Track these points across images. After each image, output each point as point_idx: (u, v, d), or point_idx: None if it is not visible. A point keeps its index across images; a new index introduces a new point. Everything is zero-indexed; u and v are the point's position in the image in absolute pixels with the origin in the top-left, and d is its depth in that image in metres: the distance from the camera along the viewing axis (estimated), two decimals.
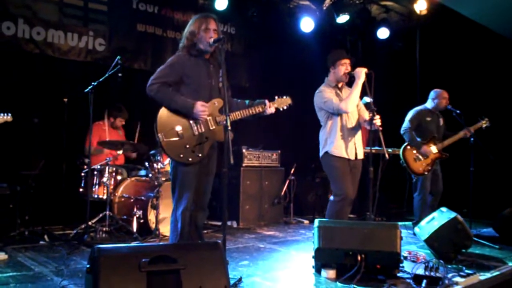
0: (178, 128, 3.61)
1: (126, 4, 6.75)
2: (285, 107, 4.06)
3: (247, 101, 3.93)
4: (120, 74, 4.82)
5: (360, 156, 4.86)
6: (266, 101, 3.91)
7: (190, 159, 3.61)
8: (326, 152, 4.80)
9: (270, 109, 3.91)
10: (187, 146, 3.60)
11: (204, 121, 3.66)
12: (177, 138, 3.60)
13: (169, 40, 7.14)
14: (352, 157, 4.79)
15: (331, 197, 4.84)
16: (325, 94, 4.78)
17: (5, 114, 4.49)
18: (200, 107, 3.59)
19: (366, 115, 4.82)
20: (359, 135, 4.90)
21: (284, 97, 4.06)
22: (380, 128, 4.56)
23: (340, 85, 4.88)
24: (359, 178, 4.91)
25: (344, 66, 4.78)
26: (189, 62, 3.68)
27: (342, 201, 4.72)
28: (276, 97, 4.02)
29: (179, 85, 3.67)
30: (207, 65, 3.75)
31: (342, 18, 7.48)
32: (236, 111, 3.78)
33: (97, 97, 4.90)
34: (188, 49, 3.71)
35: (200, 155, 3.64)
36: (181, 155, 3.59)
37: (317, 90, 4.90)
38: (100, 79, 4.88)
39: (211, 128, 3.69)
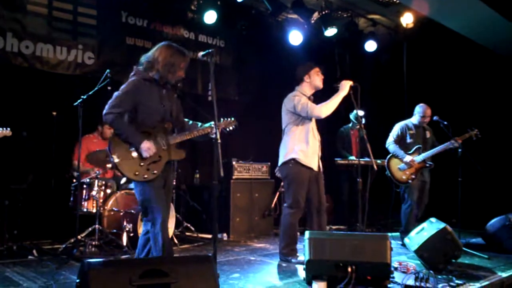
0: (132, 149, 3.69)
1: (115, 18, 6.77)
2: (231, 128, 4.12)
3: (199, 123, 4.04)
4: (109, 88, 4.82)
5: (321, 168, 5.01)
6: (212, 123, 3.89)
7: (146, 176, 3.67)
8: (293, 159, 4.84)
9: (213, 130, 3.82)
10: (141, 164, 3.68)
11: (156, 143, 3.74)
12: (131, 158, 3.68)
13: None
14: (316, 169, 4.93)
15: (285, 209, 4.95)
16: (302, 98, 4.86)
17: (5, 129, 4.50)
18: (146, 147, 3.66)
19: None
20: (319, 148, 5.03)
21: (230, 118, 4.14)
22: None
23: (312, 98, 4.98)
24: (323, 188, 5.03)
25: (319, 76, 4.93)
26: (143, 88, 3.75)
27: (297, 213, 4.90)
28: (222, 119, 4.09)
29: (133, 110, 3.74)
30: (159, 89, 3.83)
31: (330, 31, 7.56)
32: (186, 132, 3.91)
33: (86, 110, 4.90)
34: (146, 74, 3.79)
35: (155, 171, 3.71)
36: (136, 173, 3.66)
37: (290, 94, 4.98)
38: (90, 93, 4.88)
39: (163, 148, 3.79)
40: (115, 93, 3.74)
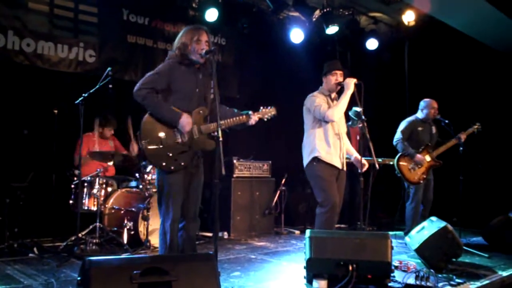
0: (161, 136, 3.60)
1: (116, 16, 6.76)
2: (269, 117, 4.04)
3: (235, 110, 3.93)
4: (110, 86, 4.82)
5: (344, 167, 4.89)
6: (250, 111, 3.91)
7: (173, 167, 3.59)
8: (316, 158, 4.73)
9: (254, 117, 3.88)
10: (170, 154, 3.59)
11: (189, 129, 3.66)
12: (160, 146, 3.59)
13: (160, 51, 7.15)
14: (340, 166, 4.81)
15: (318, 209, 4.75)
16: (316, 99, 4.78)
17: None
18: (185, 123, 3.58)
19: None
20: (345, 146, 4.93)
21: (269, 107, 4.05)
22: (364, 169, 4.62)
23: (332, 95, 4.89)
24: (343, 189, 4.92)
25: (334, 77, 4.81)
26: (178, 70, 3.68)
27: (330, 211, 4.67)
28: (261, 108, 4.02)
29: (167, 92, 3.66)
30: (196, 73, 3.75)
31: (332, 29, 7.54)
32: (222, 120, 3.74)
33: (88, 108, 4.90)
34: (179, 58, 3.72)
35: (182, 163, 3.62)
36: (163, 163, 3.58)
37: (310, 94, 4.90)
38: (91, 91, 4.87)
39: (194, 137, 3.68)
40: (147, 73, 3.68)
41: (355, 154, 4.98)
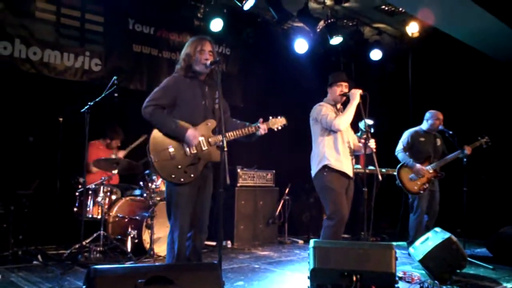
0: (171, 149, 3.62)
1: (122, 25, 6.83)
2: (279, 127, 4.03)
3: (247, 123, 3.93)
4: (116, 94, 4.85)
5: (352, 175, 4.86)
6: (261, 120, 3.92)
7: (182, 180, 3.60)
8: (326, 166, 4.64)
9: (263, 127, 3.88)
10: (179, 166, 3.60)
11: (197, 142, 3.67)
12: (169, 159, 3.60)
13: (165, 60, 7.21)
14: (351, 175, 4.73)
15: (325, 221, 4.67)
16: (323, 109, 4.76)
17: None
18: (192, 137, 3.59)
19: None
20: (353, 156, 4.88)
21: (279, 117, 4.04)
22: (374, 151, 4.58)
23: (338, 106, 4.89)
24: (352, 199, 4.86)
25: (339, 88, 4.81)
26: (184, 83, 3.71)
27: (338, 223, 4.59)
28: (270, 117, 4.01)
29: (173, 106, 3.69)
30: (201, 86, 3.77)
31: (336, 40, 7.58)
32: (231, 131, 3.79)
33: (93, 117, 4.93)
34: (184, 70, 3.74)
35: (192, 175, 3.63)
36: (173, 175, 3.59)
37: (317, 104, 4.89)
38: (97, 99, 4.91)
39: (203, 149, 3.69)
40: (154, 89, 3.70)
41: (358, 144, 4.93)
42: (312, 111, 4.87)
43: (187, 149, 3.65)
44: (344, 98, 4.80)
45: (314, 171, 4.77)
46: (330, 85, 4.89)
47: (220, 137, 3.65)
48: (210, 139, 3.72)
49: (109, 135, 6.11)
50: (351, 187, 4.81)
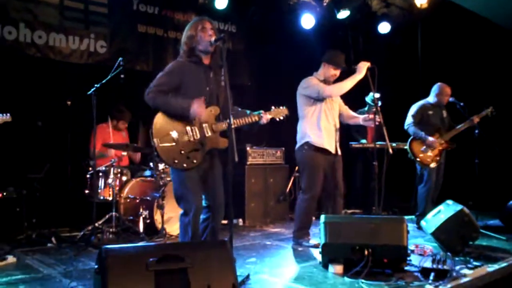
0: (174, 134, 3.59)
1: (126, 6, 6.76)
2: (281, 117, 4.05)
3: (248, 111, 3.93)
4: (122, 76, 4.83)
5: (339, 151, 4.91)
6: (262, 111, 3.92)
7: (185, 165, 3.57)
8: (306, 143, 4.80)
9: (265, 117, 3.89)
10: (182, 151, 3.58)
11: (200, 128, 3.64)
12: (172, 144, 3.57)
13: (171, 40, 7.15)
14: (333, 151, 4.85)
15: (300, 195, 4.88)
16: (311, 81, 4.84)
17: (4, 115, 4.49)
18: (197, 109, 3.53)
19: (349, 112, 4.99)
20: (338, 134, 4.96)
21: (281, 107, 4.06)
22: (383, 124, 4.55)
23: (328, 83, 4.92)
24: (341, 173, 4.98)
25: (336, 71, 4.90)
26: (188, 68, 3.66)
27: (312, 198, 4.83)
28: (273, 107, 4.02)
29: (177, 91, 3.64)
30: (206, 71, 3.72)
31: (343, 14, 7.47)
32: (233, 119, 3.74)
33: (100, 99, 4.92)
34: (188, 54, 3.69)
35: (195, 161, 3.60)
36: (176, 161, 3.56)
37: (304, 79, 4.95)
38: (103, 81, 4.89)
39: (206, 135, 3.66)
40: (158, 74, 3.67)
41: (360, 116, 5.01)
42: (300, 85, 4.90)
43: (190, 135, 3.62)
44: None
45: (296, 145, 4.96)
46: (327, 61, 4.88)
47: (224, 124, 3.66)
48: (213, 126, 3.69)
49: (115, 116, 6.11)
50: (338, 161, 4.94)
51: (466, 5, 7.18)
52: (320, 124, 4.80)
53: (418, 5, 7.61)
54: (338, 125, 4.98)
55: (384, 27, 8.17)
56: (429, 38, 8.42)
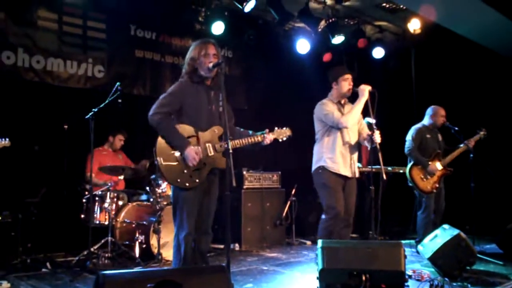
0: (177, 153, 3.62)
1: (124, 31, 6.84)
2: (284, 138, 4.09)
3: (250, 131, 3.96)
4: (120, 100, 4.86)
5: (357, 174, 4.85)
6: (266, 130, 3.95)
7: (187, 184, 3.61)
8: (322, 167, 4.73)
9: (268, 137, 3.93)
10: (185, 171, 3.61)
11: (203, 148, 3.68)
12: (175, 163, 3.61)
13: (168, 65, 7.22)
14: (350, 175, 4.75)
15: (322, 215, 4.76)
16: (326, 107, 4.76)
17: (3, 139, 4.50)
18: (191, 155, 3.57)
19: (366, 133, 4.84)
20: (356, 154, 4.87)
21: (284, 128, 4.10)
22: (378, 142, 4.55)
23: (342, 101, 4.86)
24: (354, 199, 4.85)
25: (347, 82, 4.78)
26: (190, 89, 3.72)
27: (334, 218, 4.66)
28: (276, 128, 4.06)
29: (180, 112, 3.69)
30: (207, 91, 3.77)
31: (338, 39, 7.57)
32: (236, 139, 3.81)
33: (98, 123, 4.93)
34: (190, 75, 3.75)
35: (197, 180, 3.64)
36: (178, 180, 3.60)
37: (320, 102, 4.88)
38: (101, 106, 4.91)
39: (209, 155, 3.70)
40: (161, 96, 3.71)
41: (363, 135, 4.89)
42: (316, 109, 4.86)
43: None
44: (351, 92, 4.77)
45: (312, 167, 4.88)
46: (335, 80, 4.85)
47: (225, 144, 3.66)
48: (216, 146, 3.73)
49: (111, 133, 6.14)
50: (352, 185, 4.81)
51: (459, 31, 7.29)
52: (334, 149, 4.72)
53: (412, 30, 7.74)
54: (356, 146, 4.86)
55: (378, 52, 8.30)
56: (423, 62, 8.54)
